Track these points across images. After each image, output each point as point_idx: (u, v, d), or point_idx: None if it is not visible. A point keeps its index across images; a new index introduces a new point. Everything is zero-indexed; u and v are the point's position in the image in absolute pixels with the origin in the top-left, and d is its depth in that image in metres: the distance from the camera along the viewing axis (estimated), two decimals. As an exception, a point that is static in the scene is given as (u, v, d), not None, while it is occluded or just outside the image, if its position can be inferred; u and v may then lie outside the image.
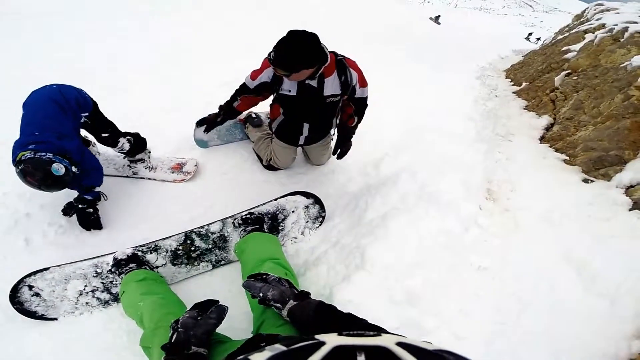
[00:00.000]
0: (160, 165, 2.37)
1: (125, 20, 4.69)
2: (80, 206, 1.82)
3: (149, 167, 2.31)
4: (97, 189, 1.87)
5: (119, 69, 3.44)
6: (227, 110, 2.25)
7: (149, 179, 2.31)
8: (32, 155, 1.46)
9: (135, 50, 3.89)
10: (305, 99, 2.00)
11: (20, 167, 1.47)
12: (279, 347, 0.38)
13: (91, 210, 1.85)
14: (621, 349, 1.50)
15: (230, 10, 6.71)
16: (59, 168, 1.49)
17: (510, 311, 1.70)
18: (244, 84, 2.13)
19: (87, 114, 1.83)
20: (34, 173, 1.46)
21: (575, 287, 1.77)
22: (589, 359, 1.51)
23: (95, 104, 1.91)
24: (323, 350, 0.34)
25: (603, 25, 4.41)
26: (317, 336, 0.40)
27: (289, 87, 1.98)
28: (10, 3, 4.61)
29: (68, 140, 1.62)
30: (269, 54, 1.78)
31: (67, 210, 1.86)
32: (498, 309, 1.71)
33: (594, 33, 4.36)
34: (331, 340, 0.37)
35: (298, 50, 1.72)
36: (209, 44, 4.48)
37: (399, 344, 0.35)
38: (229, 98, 2.21)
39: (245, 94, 2.14)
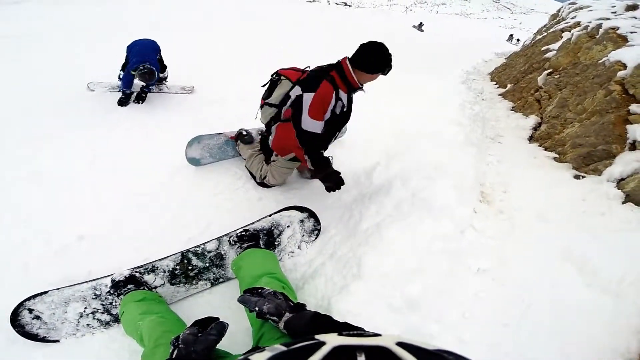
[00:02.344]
0: (174, 88, 3.99)
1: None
2: (146, 90, 3.64)
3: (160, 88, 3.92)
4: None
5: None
6: (328, 164, 2.12)
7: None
8: (150, 66, 3.32)
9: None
10: (350, 112, 2.12)
11: (142, 70, 3.28)
12: (279, 347, 0.38)
13: (147, 91, 3.67)
14: (632, 343, 1.49)
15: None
16: (156, 73, 3.39)
17: (514, 312, 1.68)
18: (315, 135, 1.97)
19: (158, 56, 3.69)
20: (149, 74, 3.31)
21: (577, 284, 1.77)
22: (599, 355, 1.49)
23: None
24: (323, 350, 0.34)
25: (578, 24, 4.54)
26: (317, 336, 0.39)
27: (344, 102, 2.04)
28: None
29: (156, 64, 3.46)
30: (371, 67, 1.91)
31: (124, 102, 3.52)
32: (501, 311, 1.69)
33: (570, 31, 4.48)
34: (331, 340, 0.37)
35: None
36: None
37: (399, 344, 0.35)
38: (317, 158, 2.06)
39: (322, 141, 2.07)
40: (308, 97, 1.92)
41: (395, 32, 10.32)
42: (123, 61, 3.69)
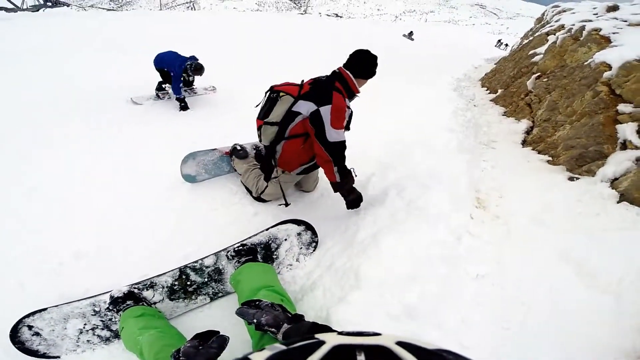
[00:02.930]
0: (199, 90, 4.61)
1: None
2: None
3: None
4: None
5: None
6: (352, 176, 2.18)
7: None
8: (199, 62, 3.99)
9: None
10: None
11: (196, 64, 3.94)
12: (278, 346, 0.37)
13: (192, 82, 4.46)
14: (637, 343, 1.47)
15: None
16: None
17: (514, 316, 1.68)
18: (342, 144, 2.03)
19: None
20: (201, 66, 3.95)
21: (576, 285, 1.76)
22: (604, 356, 1.48)
23: None
24: (323, 350, 0.34)
25: (562, 26, 4.63)
26: (317, 335, 0.39)
27: (351, 108, 2.13)
28: None
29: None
30: (370, 73, 2.08)
31: (185, 107, 4.07)
32: (501, 315, 1.68)
33: (555, 34, 4.57)
34: (331, 339, 0.36)
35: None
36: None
37: (399, 343, 0.35)
38: (346, 169, 2.11)
39: (345, 149, 2.10)
40: (326, 110, 1.96)
41: (386, 41, 10.48)
42: (152, 78, 4.36)
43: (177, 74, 3.87)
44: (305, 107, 2.03)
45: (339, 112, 1.97)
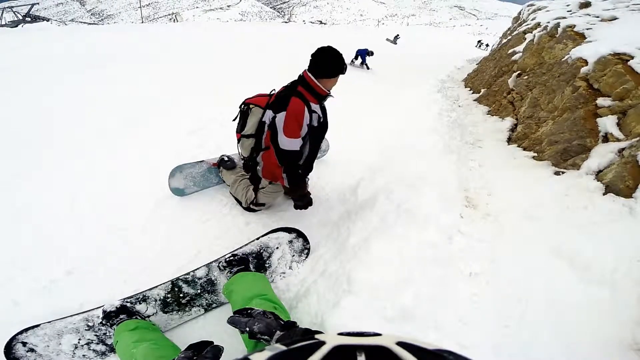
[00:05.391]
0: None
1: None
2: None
3: None
4: None
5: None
6: (304, 184, 2.20)
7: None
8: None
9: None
10: (326, 121, 2.13)
11: (367, 50, 9.11)
12: (278, 347, 0.37)
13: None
14: (637, 333, 1.48)
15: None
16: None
17: (512, 312, 1.68)
18: (293, 153, 2.01)
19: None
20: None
21: (570, 279, 1.78)
22: (605, 347, 1.49)
23: None
24: (323, 350, 0.34)
25: (538, 24, 4.75)
26: (317, 336, 0.39)
27: (319, 112, 2.05)
28: None
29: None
30: (331, 71, 1.95)
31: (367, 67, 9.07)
32: (499, 313, 1.69)
33: (532, 33, 4.68)
34: (331, 340, 0.36)
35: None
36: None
37: (399, 344, 0.35)
38: (295, 177, 2.10)
39: (299, 158, 2.09)
40: (281, 117, 1.95)
41: (370, 47, 10.60)
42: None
43: (362, 53, 8.40)
44: (268, 116, 2.06)
45: (294, 119, 1.94)
